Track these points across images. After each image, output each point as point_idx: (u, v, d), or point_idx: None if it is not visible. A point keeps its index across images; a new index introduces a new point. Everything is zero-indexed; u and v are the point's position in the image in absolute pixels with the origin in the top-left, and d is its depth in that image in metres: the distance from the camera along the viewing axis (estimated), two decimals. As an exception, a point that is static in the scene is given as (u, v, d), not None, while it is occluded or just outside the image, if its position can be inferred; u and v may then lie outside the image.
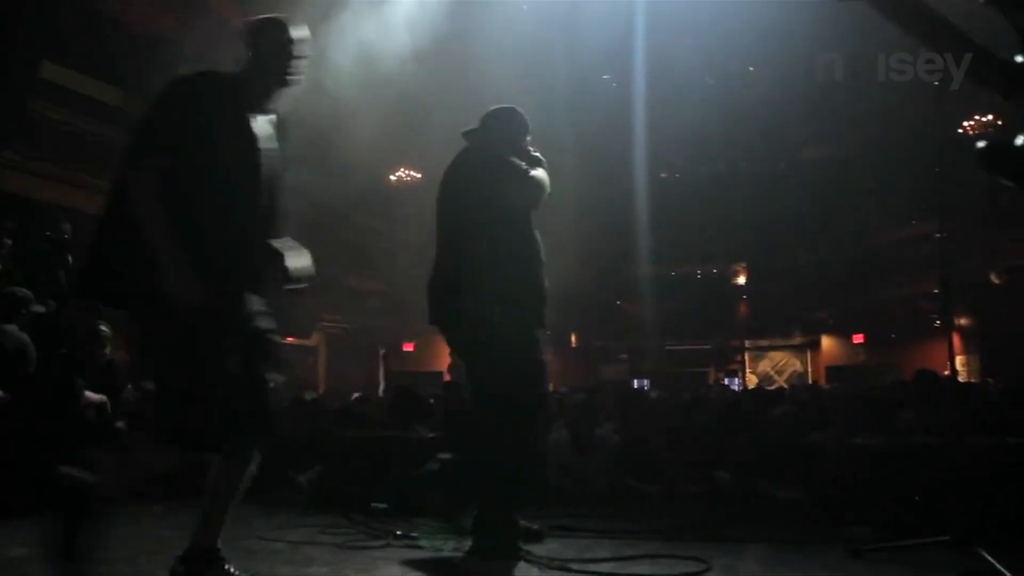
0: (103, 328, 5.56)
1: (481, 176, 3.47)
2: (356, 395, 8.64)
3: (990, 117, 14.77)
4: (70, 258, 6.48)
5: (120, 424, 5.78)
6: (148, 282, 2.30)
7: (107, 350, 5.67)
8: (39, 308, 5.44)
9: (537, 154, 3.62)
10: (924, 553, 3.16)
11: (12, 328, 5.04)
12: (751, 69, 14.66)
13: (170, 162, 2.43)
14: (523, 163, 3.49)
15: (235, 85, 2.61)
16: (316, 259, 2.77)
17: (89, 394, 5.06)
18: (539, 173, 3.52)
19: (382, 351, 8.49)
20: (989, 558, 2.82)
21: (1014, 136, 1.53)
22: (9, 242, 6.39)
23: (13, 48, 8.94)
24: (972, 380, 12.98)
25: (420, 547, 3.48)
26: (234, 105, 2.57)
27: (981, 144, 1.61)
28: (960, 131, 14.95)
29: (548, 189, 3.54)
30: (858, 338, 21.73)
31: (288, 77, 2.64)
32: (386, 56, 7.83)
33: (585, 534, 3.76)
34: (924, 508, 3.56)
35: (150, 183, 2.40)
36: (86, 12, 10.42)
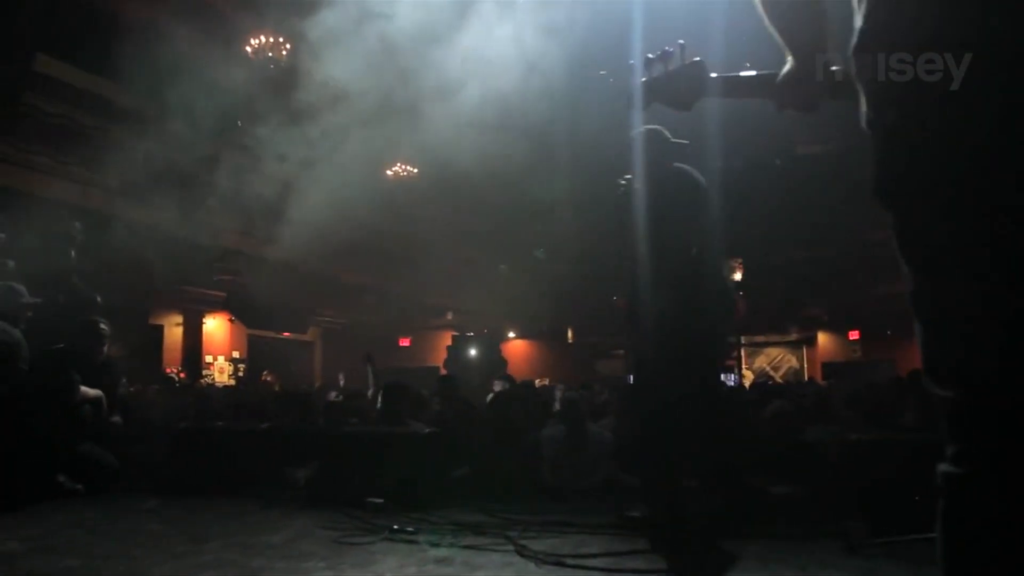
0: (103, 325, 5.54)
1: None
2: (352, 390, 8.64)
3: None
4: (73, 254, 6.45)
5: (116, 419, 5.78)
6: None
7: (106, 347, 5.65)
8: (34, 300, 5.41)
9: None
10: (920, 548, 3.17)
11: (1, 324, 5.01)
12: (747, 65, 14.64)
13: None
14: None
15: None
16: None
17: (85, 389, 5.05)
18: None
19: (367, 355, 8.20)
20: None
21: None
22: (2, 236, 6.35)
23: (6, 41, 8.90)
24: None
25: (417, 542, 3.48)
26: None
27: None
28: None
29: None
30: (854, 334, 21.79)
31: None
32: (384, 50, 7.80)
33: (579, 529, 3.76)
34: (920, 503, 3.57)
35: None
36: (80, 5, 10.38)
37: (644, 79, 1.90)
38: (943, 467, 1.07)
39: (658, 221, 3.91)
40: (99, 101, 10.92)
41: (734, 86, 1.85)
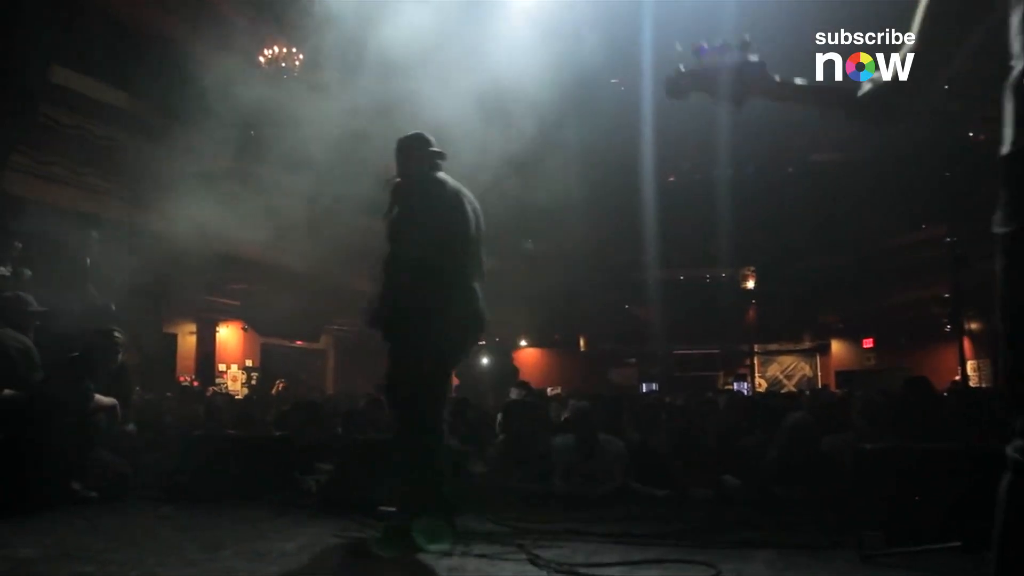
0: (117, 333, 5.58)
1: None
2: (365, 398, 8.63)
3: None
4: (89, 261, 6.51)
5: (130, 427, 5.82)
6: None
7: (120, 355, 5.68)
8: (41, 308, 5.45)
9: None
10: (935, 558, 3.14)
11: (11, 332, 5.05)
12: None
13: None
14: None
15: None
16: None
17: (100, 397, 5.07)
18: None
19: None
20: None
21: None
22: (19, 245, 6.41)
23: (23, 52, 9.00)
24: (984, 385, 12.90)
25: (427, 550, 3.47)
26: None
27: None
28: (970, 135, 14.86)
29: None
30: (868, 342, 21.64)
31: None
32: (391, 56, 7.84)
33: (592, 538, 3.74)
34: (936, 513, 3.53)
35: None
36: (95, 16, 10.49)
37: (691, 67, 1.81)
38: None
39: (400, 225, 3.86)
40: (114, 112, 11.01)
41: (798, 92, 1.79)
